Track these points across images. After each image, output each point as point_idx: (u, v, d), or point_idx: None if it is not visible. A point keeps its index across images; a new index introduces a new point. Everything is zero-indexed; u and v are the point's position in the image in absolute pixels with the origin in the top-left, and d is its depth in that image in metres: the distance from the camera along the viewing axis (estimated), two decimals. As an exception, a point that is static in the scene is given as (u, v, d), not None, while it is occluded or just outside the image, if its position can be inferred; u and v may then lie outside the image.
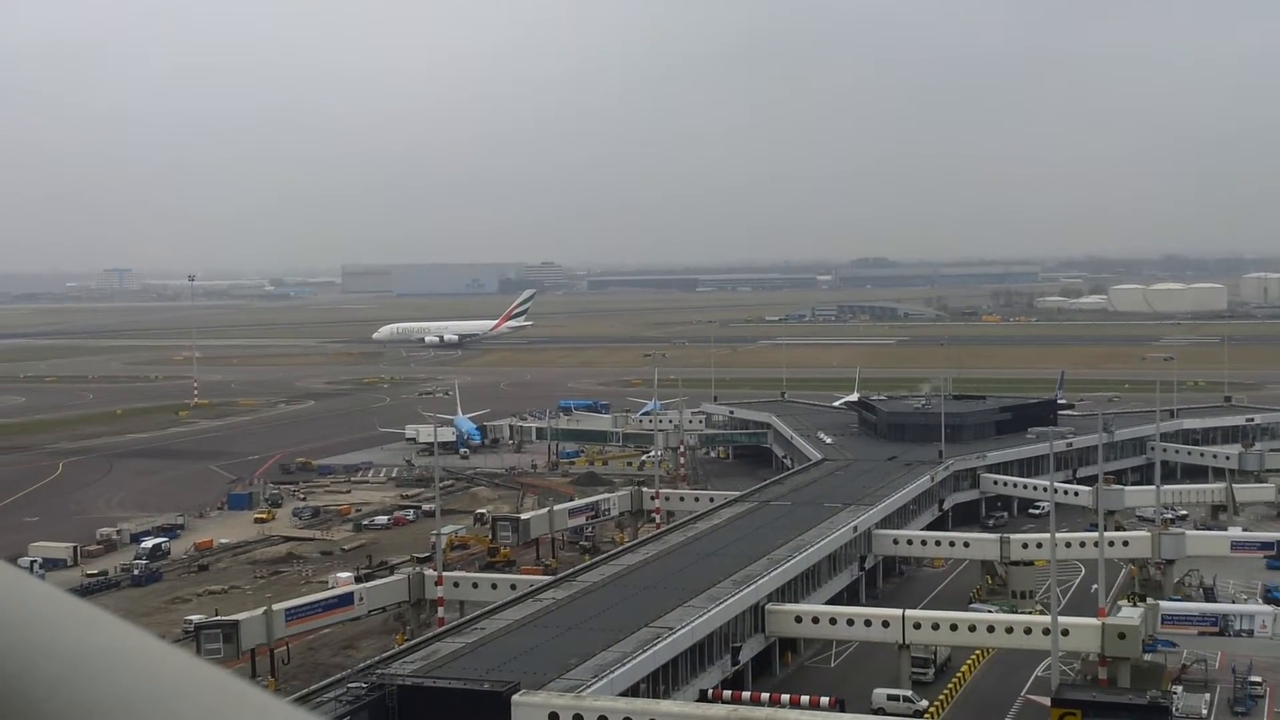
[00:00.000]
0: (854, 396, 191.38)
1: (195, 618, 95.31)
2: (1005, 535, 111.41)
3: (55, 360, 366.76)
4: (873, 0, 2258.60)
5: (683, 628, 75.58)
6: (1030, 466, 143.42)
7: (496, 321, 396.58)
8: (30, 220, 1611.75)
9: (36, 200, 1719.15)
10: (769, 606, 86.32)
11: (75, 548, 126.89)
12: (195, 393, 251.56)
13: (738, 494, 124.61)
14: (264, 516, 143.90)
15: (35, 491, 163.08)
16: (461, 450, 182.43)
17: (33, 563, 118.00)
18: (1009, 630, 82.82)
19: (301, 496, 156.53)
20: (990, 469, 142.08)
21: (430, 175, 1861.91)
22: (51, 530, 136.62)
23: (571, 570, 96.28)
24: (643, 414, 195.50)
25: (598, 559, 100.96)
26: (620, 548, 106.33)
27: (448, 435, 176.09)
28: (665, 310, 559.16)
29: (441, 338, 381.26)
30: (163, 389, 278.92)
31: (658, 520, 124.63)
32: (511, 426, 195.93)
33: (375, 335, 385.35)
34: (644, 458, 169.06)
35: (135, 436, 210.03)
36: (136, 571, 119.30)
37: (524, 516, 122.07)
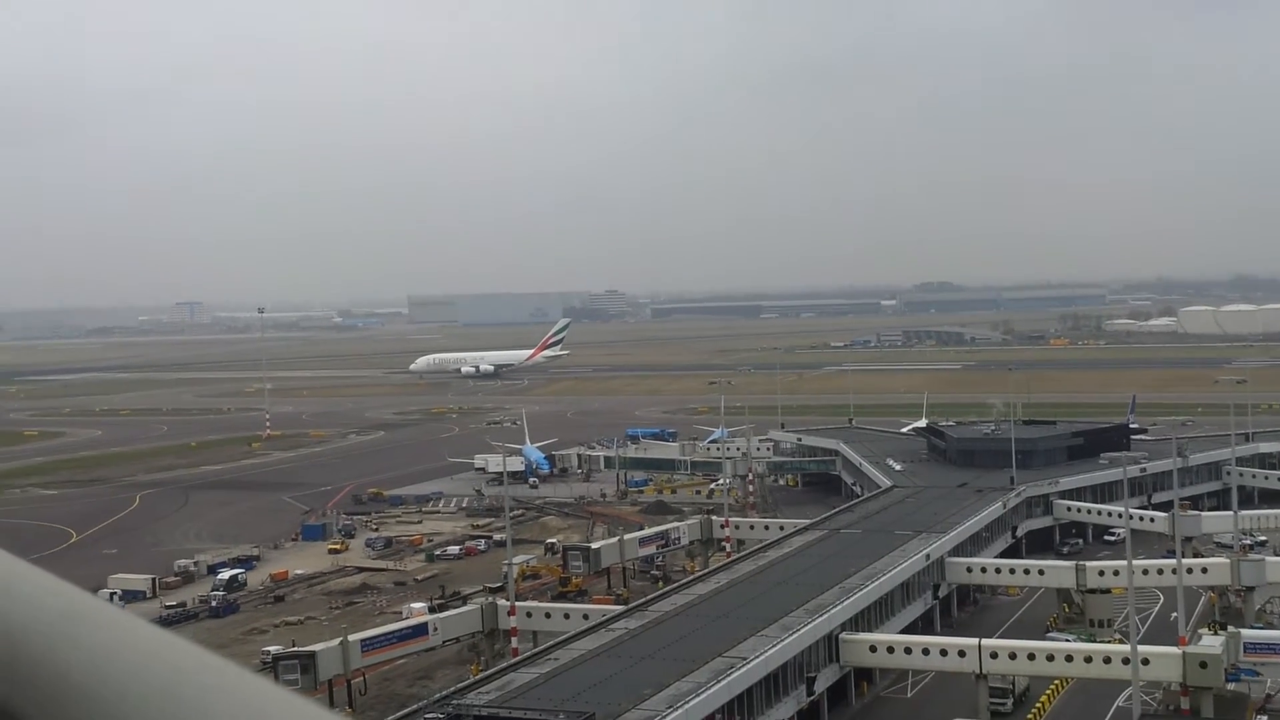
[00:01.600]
0: (922, 422, 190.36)
1: (273, 649, 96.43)
2: (1081, 562, 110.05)
3: (129, 393, 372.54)
4: (930, 22, 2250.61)
5: (756, 657, 75.44)
6: (1104, 492, 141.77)
7: (532, 351, 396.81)
8: (103, 255, 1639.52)
9: (109, 235, 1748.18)
10: (843, 636, 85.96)
11: (154, 579, 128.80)
12: (267, 424, 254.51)
13: (808, 522, 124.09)
14: (337, 547, 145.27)
15: (113, 524, 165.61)
16: (531, 480, 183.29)
17: (112, 594, 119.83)
18: (1088, 659, 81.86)
19: (374, 527, 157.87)
20: (1063, 495, 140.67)
21: (495, 206, 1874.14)
22: (130, 562, 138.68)
23: (643, 600, 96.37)
24: (710, 442, 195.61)
25: (669, 588, 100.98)
26: (691, 576, 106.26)
27: (517, 465, 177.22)
28: (730, 337, 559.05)
29: (477, 368, 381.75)
30: (235, 421, 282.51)
31: (728, 549, 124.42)
32: (580, 455, 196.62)
33: (412, 367, 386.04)
34: (712, 486, 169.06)
35: (210, 468, 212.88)
36: (214, 603, 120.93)
37: (595, 546, 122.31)
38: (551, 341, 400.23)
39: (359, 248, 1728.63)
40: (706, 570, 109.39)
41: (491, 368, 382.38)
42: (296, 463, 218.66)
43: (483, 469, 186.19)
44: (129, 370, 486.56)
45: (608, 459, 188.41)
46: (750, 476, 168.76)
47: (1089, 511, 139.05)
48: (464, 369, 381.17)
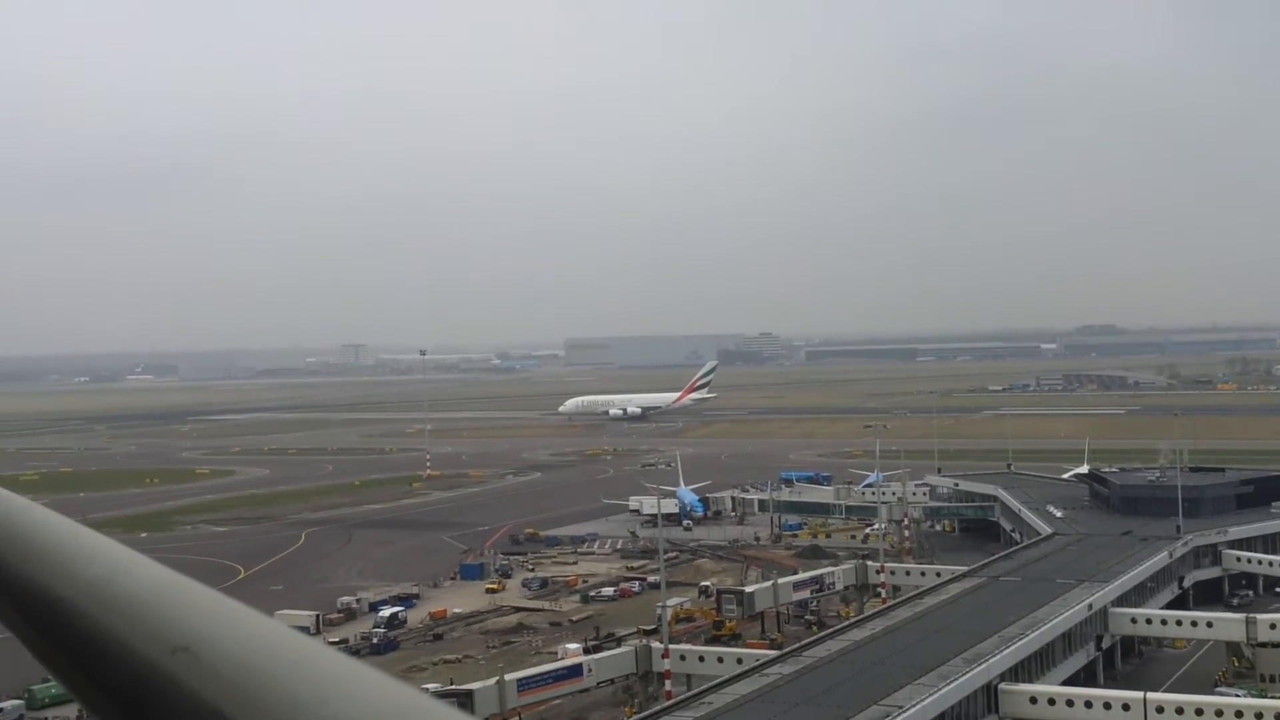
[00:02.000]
0: (1084, 468, 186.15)
1: (431, 687, 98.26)
2: (1252, 615, 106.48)
3: (296, 433, 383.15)
4: (1087, 59, 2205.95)
5: (913, 706, 74.61)
6: (1275, 543, 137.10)
7: (680, 394, 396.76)
8: (271, 300, 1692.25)
9: (276, 281, 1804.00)
10: (1002, 686, 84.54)
11: (318, 616, 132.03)
12: (428, 464, 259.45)
13: (965, 569, 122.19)
14: (495, 587, 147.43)
15: (280, 560, 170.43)
16: (685, 522, 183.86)
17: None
18: (1259, 716, 79.25)
19: (530, 567, 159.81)
20: (1233, 545, 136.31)
21: (651, 249, 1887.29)
22: (295, 598, 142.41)
23: (798, 645, 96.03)
24: (865, 486, 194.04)
25: (824, 633, 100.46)
26: (846, 622, 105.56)
27: (671, 507, 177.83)
28: (885, 380, 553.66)
29: (625, 410, 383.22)
30: (397, 461, 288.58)
31: (883, 595, 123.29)
32: (734, 498, 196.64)
33: (561, 408, 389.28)
34: (868, 530, 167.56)
35: (372, 507, 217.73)
36: (375, 640, 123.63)
37: (749, 589, 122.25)
38: (699, 384, 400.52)
39: (517, 291, 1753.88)
40: (862, 616, 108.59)
41: (639, 410, 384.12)
42: (455, 503, 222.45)
43: (637, 511, 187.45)
44: (296, 410, 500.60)
45: (762, 502, 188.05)
46: (906, 521, 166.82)
47: (1260, 562, 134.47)
48: (612, 411, 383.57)
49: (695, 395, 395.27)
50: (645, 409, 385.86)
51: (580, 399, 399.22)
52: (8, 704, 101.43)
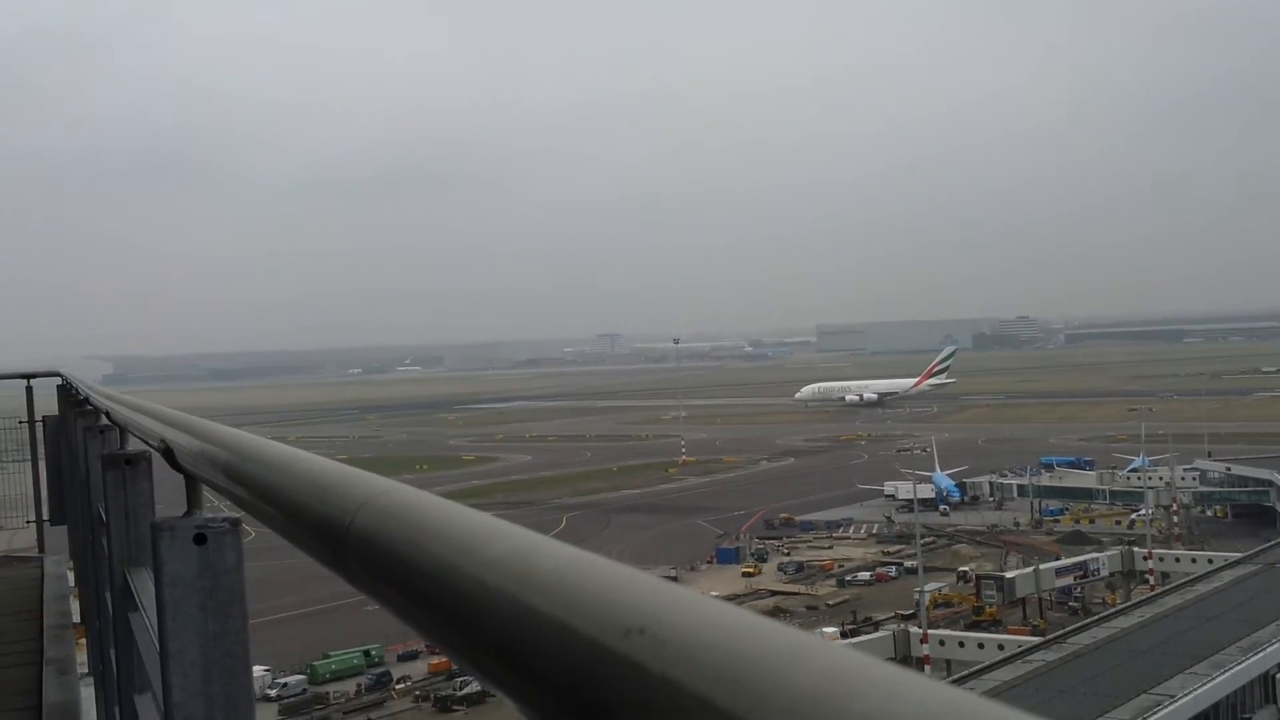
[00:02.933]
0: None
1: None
2: None
3: (556, 421, 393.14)
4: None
5: (1184, 696, 72.50)
6: None
7: (917, 379, 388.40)
8: (532, 294, 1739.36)
9: (537, 276, 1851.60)
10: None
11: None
12: (683, 450, 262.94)
13: (1240, 555, 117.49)
14: (751, 571, 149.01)
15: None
16: (941, 507, 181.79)
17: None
18: None
19: (786, 551, 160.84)
20: None
21: (904, 233, 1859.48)
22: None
23: (1061, 632, 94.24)
24: (1130, 470, 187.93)
25: (1088, 620, 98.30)
26: (1112, 609, 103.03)
27: (927, 492, 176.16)
28: (1149, 363, 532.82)
29: (861, 396, 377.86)
30: (652, 447, 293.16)
31: (1151, 581, 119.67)
32: (992, 483, 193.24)
33: (797, 395, 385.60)
34: (1134, 516, 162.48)
35: (629, 492, 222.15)
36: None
37: (1009, 575, 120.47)
38: (937, 370, 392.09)
39: (770, 279, 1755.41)
40: (1129, 603, 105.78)
41: (875, 396, 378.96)
42: (710, 488, 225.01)
43: (893, 496, 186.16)
44: (556, 398, 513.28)
45: (1021, 487, 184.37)
46: (1175, 507, 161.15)
47: None
48: (848, 397, 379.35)
49: (933, 381, 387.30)
50: (882, 395, 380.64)
51: (816, 385, 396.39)
52: (291, 678, 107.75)
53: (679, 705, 1.35)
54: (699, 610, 1.51)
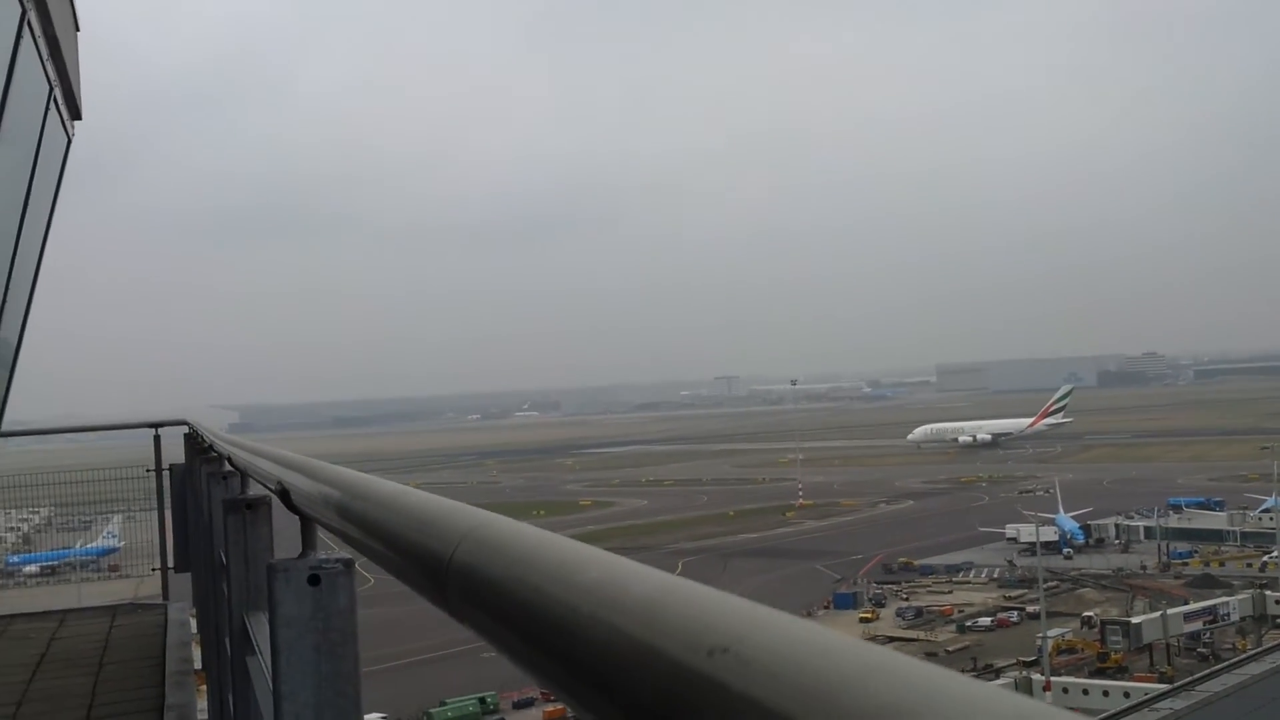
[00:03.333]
0: None
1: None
2: None
3: (672, 465, 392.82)
4: None
5: (1319, 744, 70.32)
6: None
7: (1034, 419, 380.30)
8: (649, 338, 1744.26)
9: (652, 320, 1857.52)
10: None
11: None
12: (800, 494, 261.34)
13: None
14: (869, 616, 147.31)
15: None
16: (1065, 550, 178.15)
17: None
18: None
19: (904, 596, 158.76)
20: None
21: (1025, 267, 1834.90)
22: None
23: (1190, 679, 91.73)
24: (1262, 511, 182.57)
25: (1218, 666, 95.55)
26: (1243, 655, 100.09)
27: (1050, 535, 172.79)
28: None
29: (974, 437, 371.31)
30: (769, 491, 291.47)
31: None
32: (1117, 525, 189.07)
33: (910, 436, 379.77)
34: (1266, 558, 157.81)
35: (746, 536, 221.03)
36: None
37: (1135, 620, 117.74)
38: (1054, 409, 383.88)
39: (889, 318, 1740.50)
40: (1260, 649, 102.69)
41: (989, 437, 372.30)
42: (827, 531, 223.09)
43: (1014, 539, 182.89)
44: (672, 442, 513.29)
45: (1148, 529, 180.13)
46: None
47: None
48: (961, 439, 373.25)
49: (1050, 420, 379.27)
50: (996, 435, 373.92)
51: (929, 426, 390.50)
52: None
53: None
54: (782, 629, 1.51)
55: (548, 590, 2.01)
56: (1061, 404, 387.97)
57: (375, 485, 4.07)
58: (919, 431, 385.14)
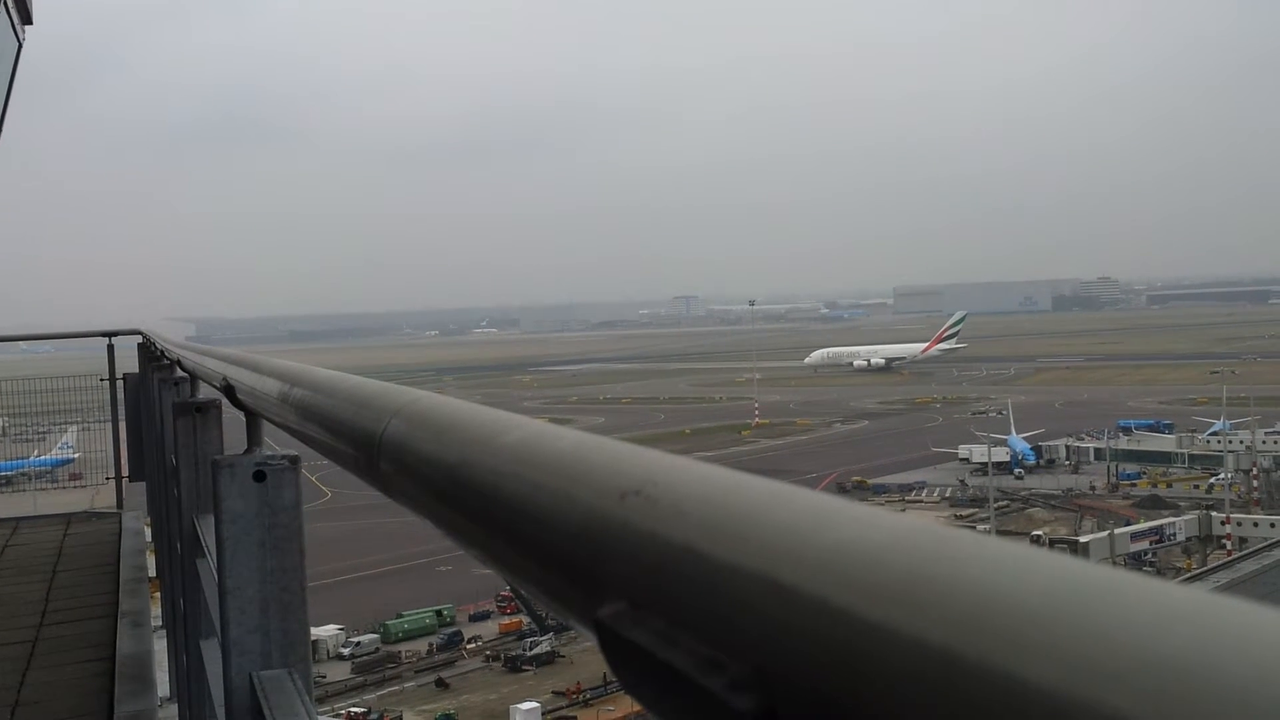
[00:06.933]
0: None
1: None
2: None
3: (630, 382, 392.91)
4: None
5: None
6: None
7: (927, 344, 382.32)
8: (609, 259, 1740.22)
9: (615, 240, 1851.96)
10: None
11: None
12: (756, 413, 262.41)
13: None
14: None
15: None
16: (1016, 470, 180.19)
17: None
18: None
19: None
20: None
21: (984, 196, 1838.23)
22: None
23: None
24: (1210, 434, 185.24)
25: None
26: (1187, 574, 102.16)
27: (1002, 455, 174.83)
28: (1233, 325, 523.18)
29: (869, 361, 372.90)
30: (726, 409, 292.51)
31: (1229, 546, 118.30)
32: (1068, 447, 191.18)
33: (806, 360, 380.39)
34: (1212, 480, 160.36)
35: (700, 454, 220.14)
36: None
37: (1083, 539, 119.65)
38: (947, 334, 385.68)
39: (847, 241, 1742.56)
40: (1204, 568, 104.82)
41: (883, 361, 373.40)
42: (783, 450, 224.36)
43: (967, 459, 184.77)
44: (630, 361, 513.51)
45: (1098, 450, 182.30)
46: (1255, 471, 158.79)
47: None
48: (856, 363, 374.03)
49: (943, 345, 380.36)
50: (890, 360, 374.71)
51: (825, 350, 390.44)
52: (365, 638, 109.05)
53: (665, 556, 1.40)
54: (691, 471, 1.57)
55: (470, 455, 2.04)
56: (955, 330, 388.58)
57: (312, 373, 4.09)
58: (815, 355, 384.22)
